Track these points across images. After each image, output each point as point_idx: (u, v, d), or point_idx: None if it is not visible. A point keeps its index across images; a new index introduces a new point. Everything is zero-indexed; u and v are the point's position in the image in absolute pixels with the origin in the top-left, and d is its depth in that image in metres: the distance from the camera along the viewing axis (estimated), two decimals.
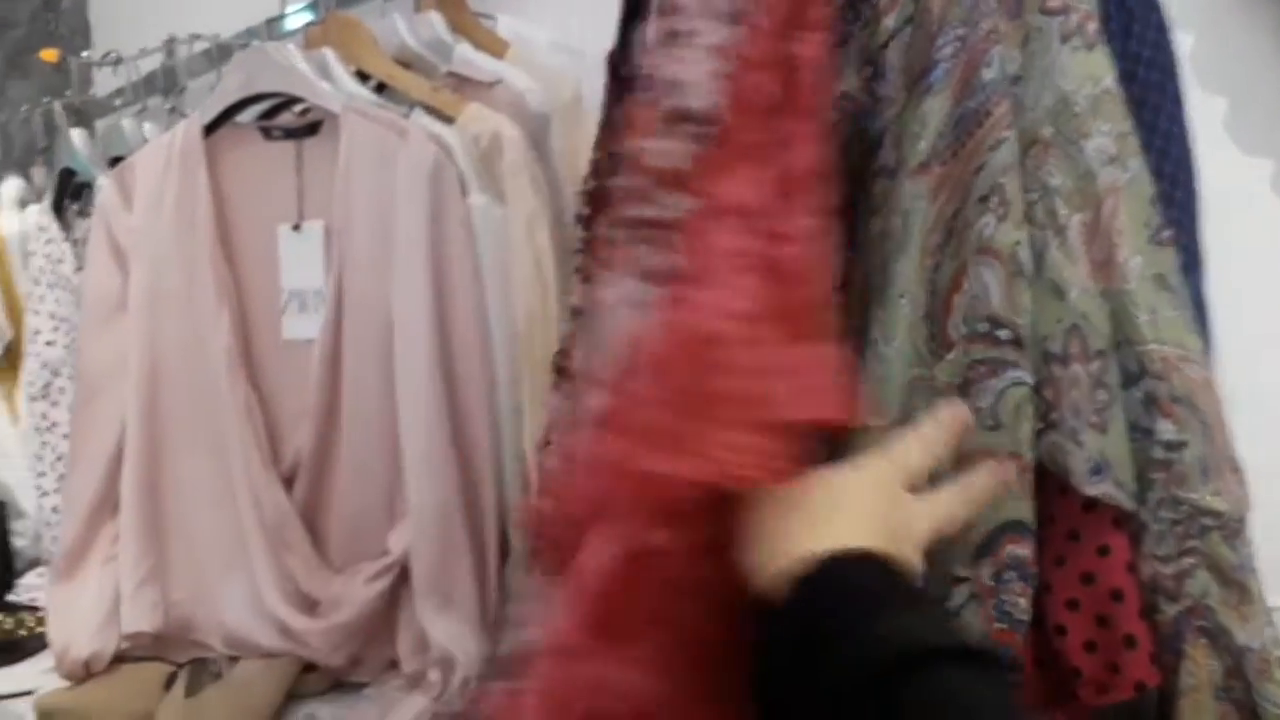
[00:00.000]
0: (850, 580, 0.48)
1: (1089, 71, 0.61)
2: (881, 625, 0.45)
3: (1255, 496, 0.62)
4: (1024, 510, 0.61)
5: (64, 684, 1.15)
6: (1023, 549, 0.61)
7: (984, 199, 0.61)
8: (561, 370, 0.98)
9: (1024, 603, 0.61)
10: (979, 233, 0.62)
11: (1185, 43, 0.82)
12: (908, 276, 0.64)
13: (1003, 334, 0.60)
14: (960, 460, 0.58)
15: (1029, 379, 0.60)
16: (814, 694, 0.45)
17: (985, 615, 0.62)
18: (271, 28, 1.60)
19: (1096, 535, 0.63)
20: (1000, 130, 0.62)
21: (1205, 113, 0.88)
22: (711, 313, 0.54)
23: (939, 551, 0.57)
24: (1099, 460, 0.60)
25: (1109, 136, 0.61)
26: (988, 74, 0.63)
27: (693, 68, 0.59)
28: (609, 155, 0.86)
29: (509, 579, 1.04)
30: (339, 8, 1.44)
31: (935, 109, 0.63)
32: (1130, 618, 0.63)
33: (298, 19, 1.57)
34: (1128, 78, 0.65)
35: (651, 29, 0.66)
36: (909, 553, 0.53)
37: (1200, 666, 0.63)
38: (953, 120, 0.63)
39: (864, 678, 0.43)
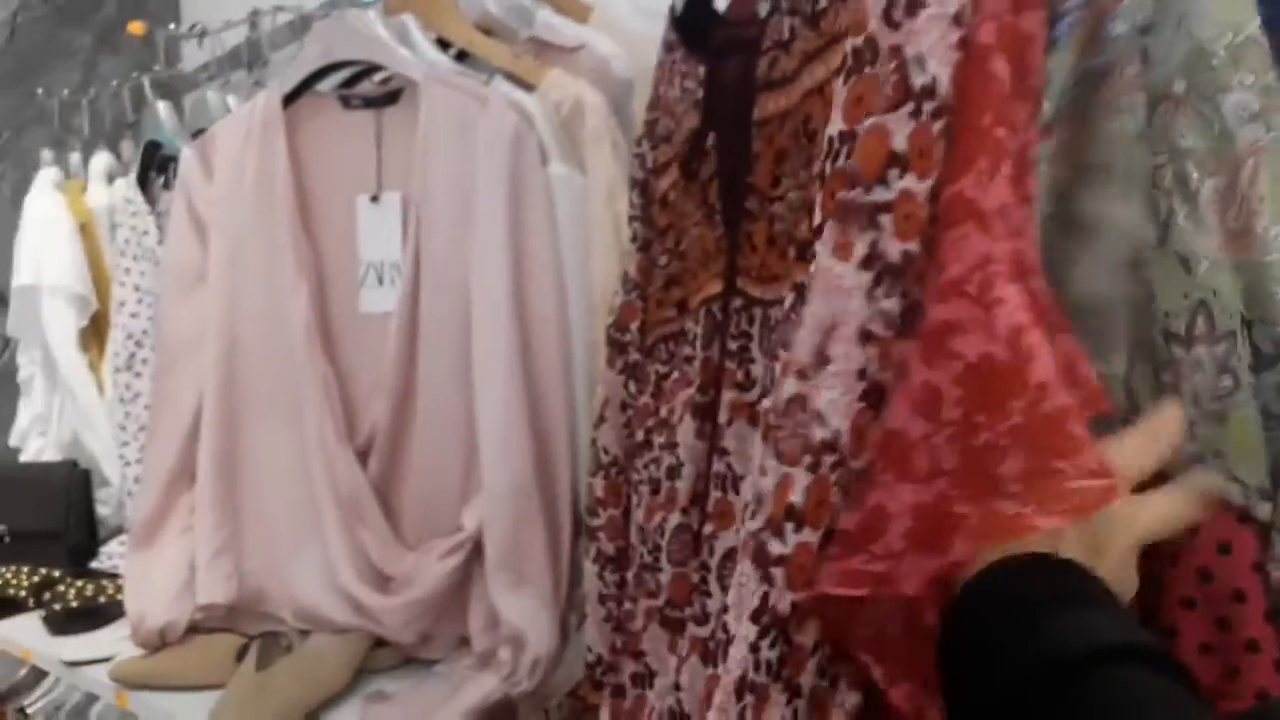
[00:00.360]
0: (1022, 582, 0.47)
1: (1229, 17, 0.55)
2: (1057, 624, 0.43)
3: None
4: None
5: (140, 652, 1.15)
6: None
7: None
8: (615, 344, 0.94)
9: None
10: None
11: None
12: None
13: None
14: None
15: None
16: (991, 697, 0.44)
17: None
18: None
19: (1218, 530, 0.58)
20: (1128, 92, 0.56)
21: None
22: (1012, 334, 0.49)
23: None
24: (1210, 453, 0.54)
25: (1252, 90, 0.55)
26: (1116, 28, 0.57)
27: (924, 39, 0.54)
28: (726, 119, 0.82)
29: (580, 559, 1.01)
30: None
31: (1060, 66, 0.57)
32: (1255, 620, 0.57)
33: None
34: (1275, 25, 0.59)
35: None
36: (1113, 556, 0.49)
37: None
38: (1075, 79, 0.58)
39: (1042, 674, 0.41)
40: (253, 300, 1.20)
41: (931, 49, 0.54)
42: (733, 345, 0.78)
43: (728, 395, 0.78)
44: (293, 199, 1.19)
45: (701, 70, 0.85)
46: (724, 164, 0.81)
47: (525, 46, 1.21)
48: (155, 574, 1.16)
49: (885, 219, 0.54)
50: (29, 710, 1.63)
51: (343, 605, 1.10)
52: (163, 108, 1.68)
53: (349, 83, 1.25)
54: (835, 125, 0.60)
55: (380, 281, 1.19)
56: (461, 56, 1.26)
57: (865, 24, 0.59)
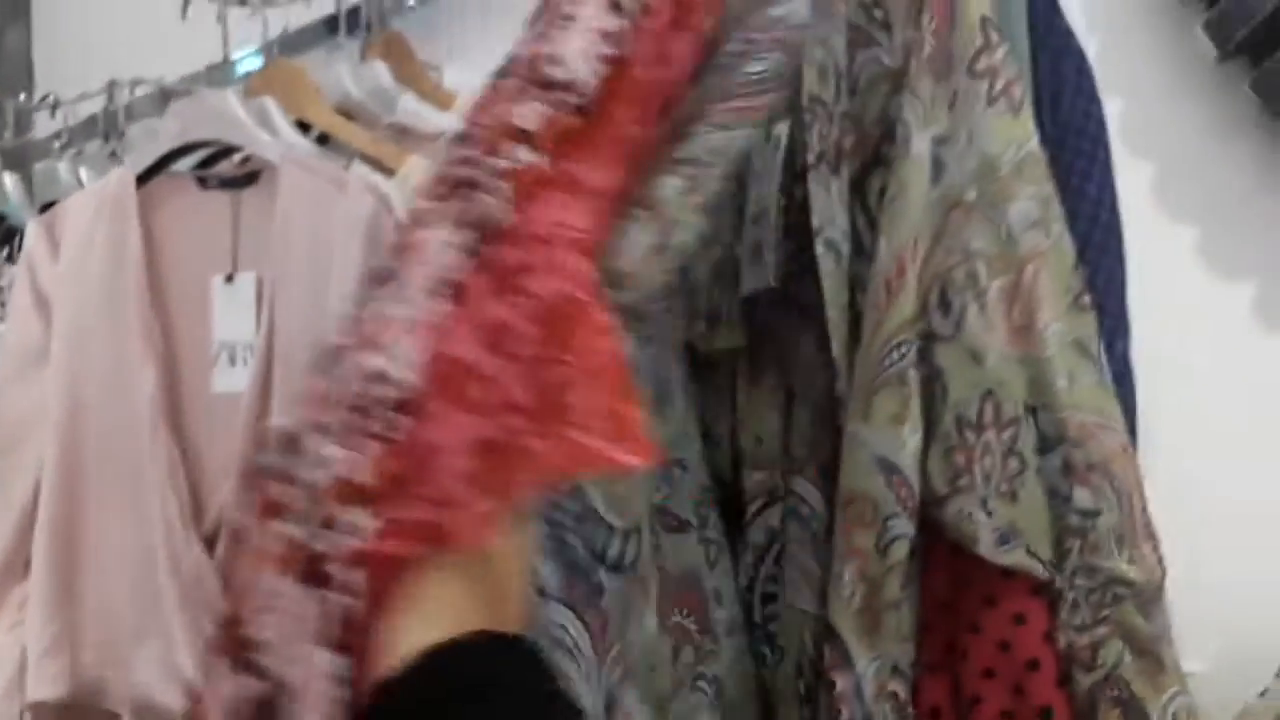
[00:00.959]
0: (436, 679, 0.45)
1: (1013, 135, 0.62)
2: None
3: (1172, 560, 0.62)
4: None
5: None
6: None
7: None
8: None
9: None
10: None
11: (1114, 110, 0.84)
12: None
13: None
14: None
15: None
16: None
17: None
18: (215, 73, 1.58)
19: (1013, 602, 0.62)
20: None
21: (1133, 180, 0.90)
22: (584, 279, 0.51)
23: None
24: (1006, 529, 0.59)
25: (1033, 200, 0.61)
26: (916, 140, 0.62)
27: (568, 44, 0.57)
28: None
29: None
30: (284, 55, 1.43)
31: None
32: (1046, 687, 0.62)
33: (246, 64, 1.56)
34: (1057, 144, 0.66)
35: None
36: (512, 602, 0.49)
37: None
38: None
39: None
40: (96, 380, 1.17)
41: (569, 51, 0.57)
42: None
43: None
44: (143, 277, 1.17)
45: None
46: None
47: (386, 132, 1.24)
48: None
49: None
50: None
51: (180, 693, 1.07)
52: (8, 179, 1.64)
53: (206, 163, 1.25)
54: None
55: (232, 362, 1.18)
56: (323, 140, 1.27)
57: None
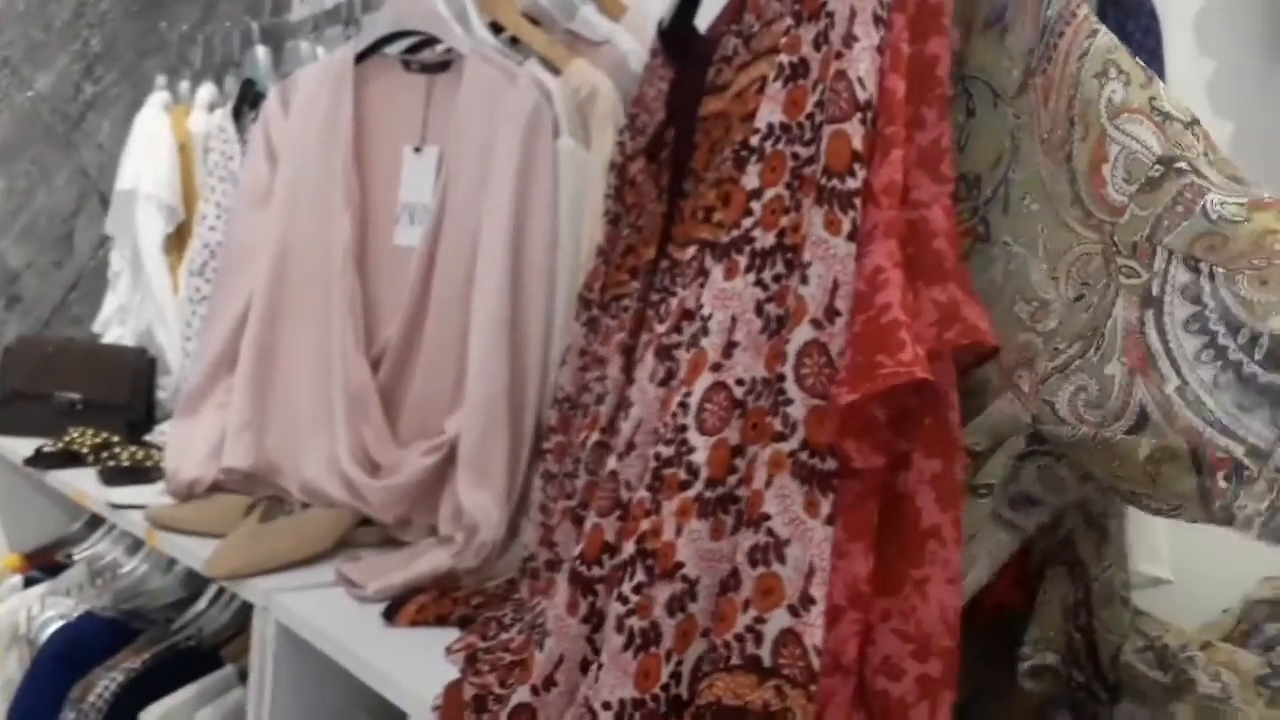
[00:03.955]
0: None
1: None
2: None
3: None
4: None
5: (172, 502, 1.38)
6: None
7: (1100, 74, 0.65)
8: (583, 300, 1.13)
9: None
10: (1108, 100, 0.65)
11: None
12: (1028, 180, 0.71)
13: (1181, 165, 0.61)
14: None
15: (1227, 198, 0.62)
16: None
17: None
18: None
19: None
20: (1091, 21, 0.69)
21: None
22: (872, 272, 0.65)
23: None
24: None
25: None
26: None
27: (860, 65, 0.69)
28: (683, 115, 0.99)
29: (536, 468, 1.20)
30: None
31: (1017, 40, 0.72)
32: None
33: None
34: None
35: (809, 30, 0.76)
36: None
37: (1053, 586, 0.73)
38: (1037, 37, 0.71)
39: None
40: (305, 223, 1.41)
41: (866, 72, 0.71)
42: (655, 297, 0.96)
43: (645, 336, 0.96)
44: (350, 142, 1.40)
45: (671, 74, 1.03)
46: (676, 152, 1.00)
47: (560, 37, 1.40)
48: (192, 438, 1.38)
49: (857, 201, 0.68)
50: (74, 558, 1.88)
51: (339, 484, 1.30)
52: (261, 51, 1.91)
53: (415, 49, 1.46)
54: (772, 116, 0.75)
55: (413, 220, 1.39)
56: (514, 41, 1.46)
57: (798, 47, 0.76)
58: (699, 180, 0.93)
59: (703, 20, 1.06)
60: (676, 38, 1.05)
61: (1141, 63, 0.67)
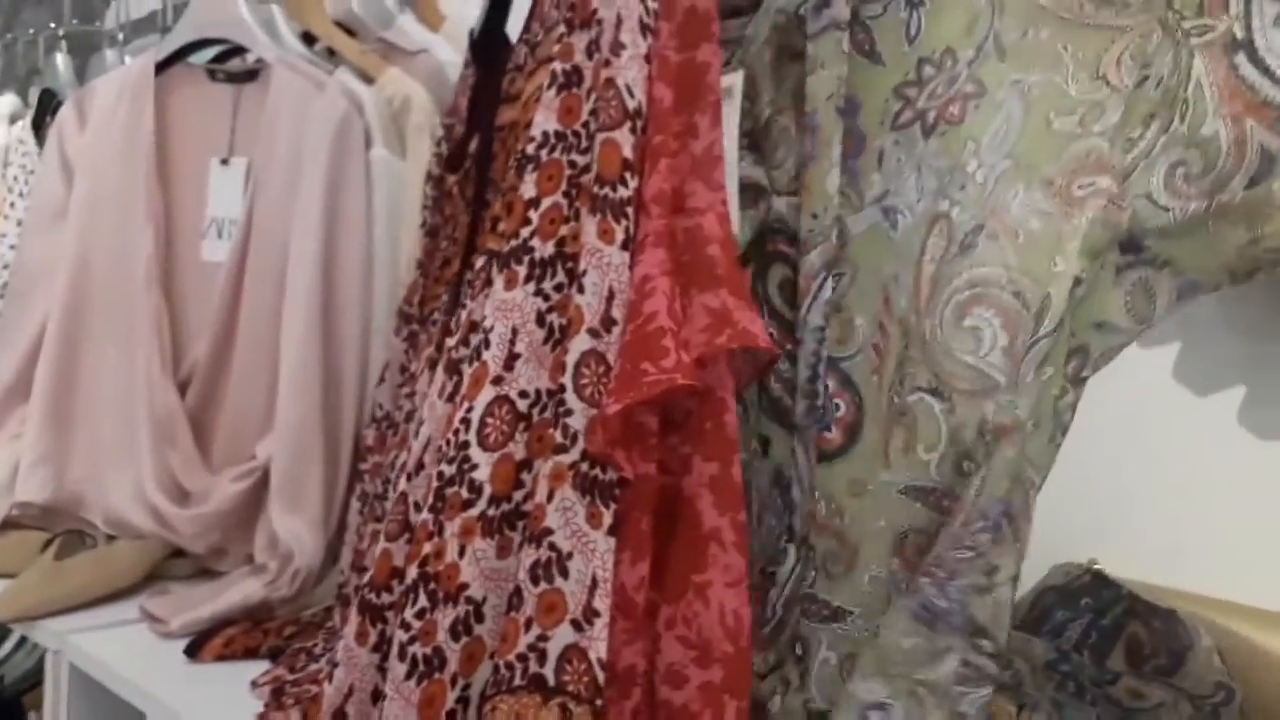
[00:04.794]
0: None
1: None
2: None
3: None
4: None
5: None
6: None
7: None
8: (402, 315, 1.10)
9: None
10: None
11: None
12: (1027, 15, 0.67)
13: None
14: None
15: None
16: None
17: None
18: None
19: None
20: None
21: None
22: (640, 281, 0.65)
23: None
24: None
25: None
26: None
27: (629, 73, 0.69)
28: (483, 125, 0.97)
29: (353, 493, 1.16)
30: None
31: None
32: None
33: None
34: None
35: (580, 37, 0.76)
36: None
37: None
38: None
39: None
40: (105, 238, 1.33)
41: (634, 79, 0.70)
42: (459, 312, 0.94)
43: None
44: (152, 154, 1.33)
45: (474, 82, 1.01)
46: (478, 162, 0.98)
47: (375, 46, 1.37)
48: None
49: (629, 210, 0.68)
50: None
51: (146, 514, 1.23)
52: (61, 60, 1.81)
53: (222, 58, 1.40)
54: (547, 124, 0.74)
55: (220, 234, 1.33)
56: (331, 53, 1.41)
57: (572, 55, 0.75)
58: (497, 190, 0.91)
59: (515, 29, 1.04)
60: (486, 46, 1.03)
61: None
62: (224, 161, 1.34)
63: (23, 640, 1.47)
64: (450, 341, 0.76)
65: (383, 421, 1.11)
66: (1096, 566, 0.82)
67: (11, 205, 1.76)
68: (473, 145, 0.99)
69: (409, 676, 0.60)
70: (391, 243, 1.23)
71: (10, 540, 1.25)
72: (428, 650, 0.60)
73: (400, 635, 0.61)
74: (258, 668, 0.98)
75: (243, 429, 1.25)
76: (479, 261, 0.83)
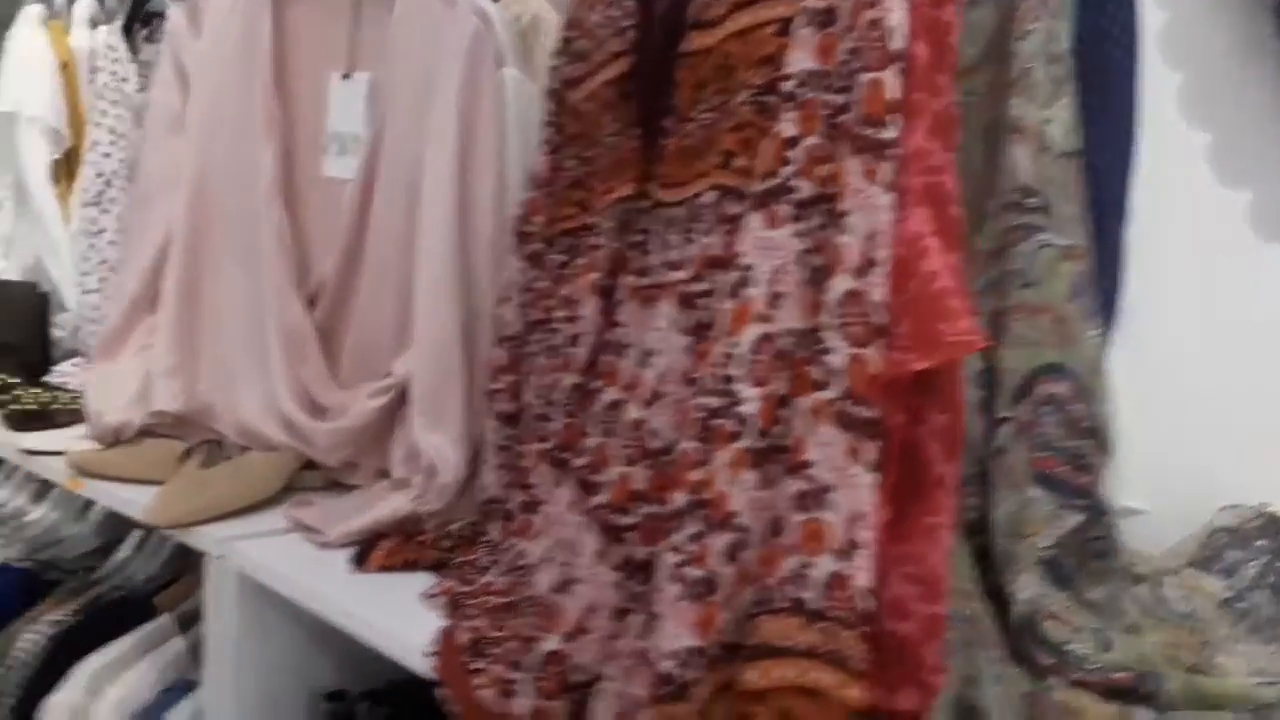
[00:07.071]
0: None
1: None
2: None
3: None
4: (1055, 355, 0.76)
5: (95, 446, 1.31)
6: (1056, 387, 0.76)
7: (1012, 83, 0.70)
8: (521, 234, 1.11)
9: (1061, 432, 0.76)
10: (1009, 113, 0.71)
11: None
12: (964, 164, 0.73)
13: (1031, 202, 0.69)
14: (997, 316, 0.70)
15: (1057, 240, 0.70)
16: None
17: (1029, 446, 0.77)
18: None
19: None
20: (1027, 22, 0.71)
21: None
22: (912, 238, 0.66)
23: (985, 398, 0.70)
24: None
25: None
26: None
27: (895, 15, 0.68)
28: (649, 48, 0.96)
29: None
30: None
31: (981, 19, 0.74)
32: None
33: None
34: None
35: None
36: None
37: None
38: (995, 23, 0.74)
39: None
40: (224, 154, 1.33)
41: (900, 23, 0.70)
42: (635, 238, 0.95)
43: (626, 279, 0.95)
44: (270, 66, 1.32)
45: (631, 3, 1.00)
46: (646, 85, 0.97)
47: None
48: (115, 381, 1.31)
49: (892, 152, 0.68)
50: None
51: (278, 426, 1.26)
52: None
53: None
54: (805, 62, 0.74)
55: (342, 151, 1.33)
56: None
57: None
58: (681, 120, 0.91)
59: None
60: None
61: None
62: (346, 76, 1.33)
63: (144, 541, 1.51)
64: (678, 275, 0.77)
65: (511, 340, 1.12)
66: (1270, 509, 0.84)
67: (103, 113, 1.75)
68: (636, 67, 0.98)
69: (683, 598, 0.63)
70: (523, 164, 1.23)
71: (149, 447, 1.28)
72: (701, 573, 0.63)
73: (671, 558, 0.64)
74: (414, 579, 1.01)
75: (371, 345, 1.27)
76: (704, 195, 0.83)
